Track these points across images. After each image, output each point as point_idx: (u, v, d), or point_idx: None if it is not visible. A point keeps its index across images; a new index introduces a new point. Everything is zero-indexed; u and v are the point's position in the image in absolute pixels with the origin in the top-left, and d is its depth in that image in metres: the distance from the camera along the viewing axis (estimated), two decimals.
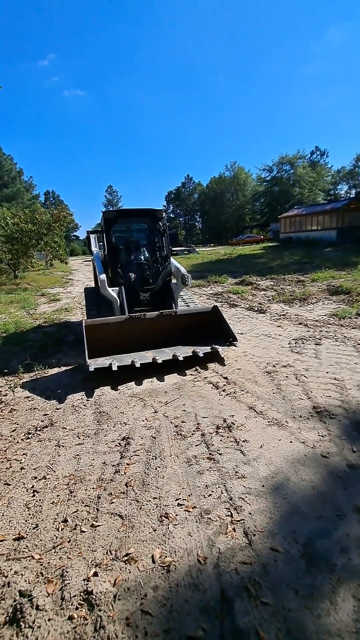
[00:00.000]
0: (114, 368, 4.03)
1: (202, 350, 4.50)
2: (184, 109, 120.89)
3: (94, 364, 4.08)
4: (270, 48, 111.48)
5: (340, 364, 4.28)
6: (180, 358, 4.32)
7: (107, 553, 1.85)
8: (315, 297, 8.42)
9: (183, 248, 31.27)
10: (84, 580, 1.70)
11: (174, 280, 5.90)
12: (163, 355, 4.44)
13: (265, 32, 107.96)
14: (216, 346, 4.64)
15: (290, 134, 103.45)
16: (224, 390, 3.78)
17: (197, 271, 15.26)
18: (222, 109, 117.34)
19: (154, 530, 1.98)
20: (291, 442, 2.76)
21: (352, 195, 48.74)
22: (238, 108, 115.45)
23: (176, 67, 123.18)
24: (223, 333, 5.00)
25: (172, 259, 5.88)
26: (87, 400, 3.78)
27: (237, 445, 2.76)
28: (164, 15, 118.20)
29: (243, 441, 2.80)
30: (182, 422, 3.19)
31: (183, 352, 4.51)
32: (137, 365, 4.10)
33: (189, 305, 6.14)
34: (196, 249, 32.32)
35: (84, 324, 4.51)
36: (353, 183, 53.91)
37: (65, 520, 2.09)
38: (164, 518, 2.06)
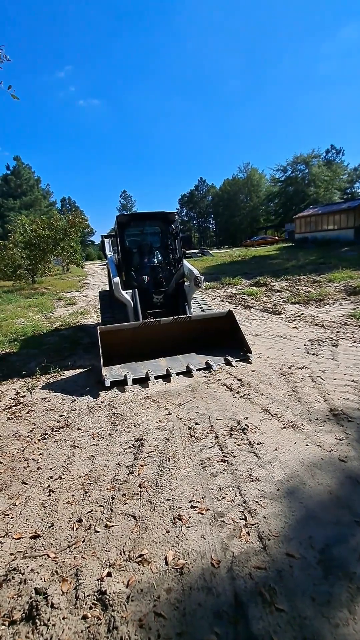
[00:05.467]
0: (129, 383, 4.14)
1: (215, 363, 4.54)
2: (196, 113, 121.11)
3: (110, 375, 4.21)
4: (282, 48, 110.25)
5: (358, 366, 4.16)
6: (194, 371, 4.38)
7: (120, 553, 1.86)
8: (332, 298, 8.23)
9: (197, 250, 31.18)
10: (97, 580, 1.71)
11: (187, 283, 5.90)
12: (177, 365, 4.51)
13: (276, 33, 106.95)
14: (230, 358, 4.64)
15: (304, 133, 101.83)
16: (237, 392, 3.74)
17: (210, 273, 15.21)
18: (234, 110, 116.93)
19: (167, 532, 1.97)
20: (307, 445, 2.70)
21: None
22: (251, 109, 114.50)
23: (188, 71, 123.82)
24: (237, 340, 4.97)
25: (184, 261, 5.89)
26: (101, 401, 3.83)
27: (252, 447, 2.72)
28: (174, 22, 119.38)
29: (257, 444, 2.76)
30: (196, 424, 3.17)
31: (197, 362, 4.58)
32: (152, 379, 4.20)
33: (202, 308, 6.11)
34: (210, 251, 32.21)
35: (98, 331, 4.55)
36: None
37: (80, 520, 2.12)
38: (177, 520, 2.05)
